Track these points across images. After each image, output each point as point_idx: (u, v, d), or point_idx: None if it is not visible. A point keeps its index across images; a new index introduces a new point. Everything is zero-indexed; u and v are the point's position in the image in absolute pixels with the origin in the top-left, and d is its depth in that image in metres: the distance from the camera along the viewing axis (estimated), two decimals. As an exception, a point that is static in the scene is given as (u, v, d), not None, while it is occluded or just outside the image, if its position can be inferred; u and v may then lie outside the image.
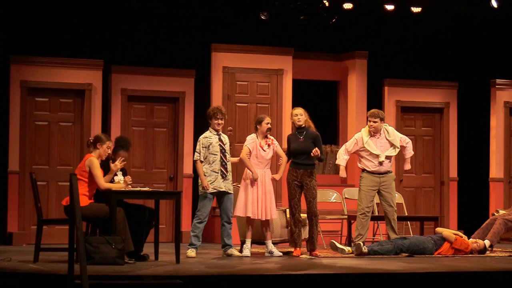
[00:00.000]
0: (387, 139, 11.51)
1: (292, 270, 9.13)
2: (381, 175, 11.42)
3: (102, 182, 9.63)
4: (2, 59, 12.82)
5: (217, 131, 10.83)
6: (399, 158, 13.09)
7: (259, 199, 10.82)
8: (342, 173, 11.65)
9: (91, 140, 9.91)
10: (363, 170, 11.47)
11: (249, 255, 10.73)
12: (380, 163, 11.40)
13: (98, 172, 9.63)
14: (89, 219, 9.67)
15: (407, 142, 11.73)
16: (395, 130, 11.74)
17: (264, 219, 10.85)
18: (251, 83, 14.02)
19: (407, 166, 11.89)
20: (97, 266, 8.89)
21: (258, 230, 10.97)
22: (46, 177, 12.88)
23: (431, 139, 15.13)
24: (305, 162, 10.82)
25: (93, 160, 9.68)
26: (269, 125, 10.97)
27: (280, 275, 8.71)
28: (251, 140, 10.96)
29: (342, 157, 11.60)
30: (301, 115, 10.87)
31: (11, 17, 12.97)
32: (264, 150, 10.93)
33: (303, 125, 10.88)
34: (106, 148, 9.85)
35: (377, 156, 11.40)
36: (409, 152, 11.77)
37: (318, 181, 11.12)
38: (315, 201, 10.80)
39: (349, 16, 13.83)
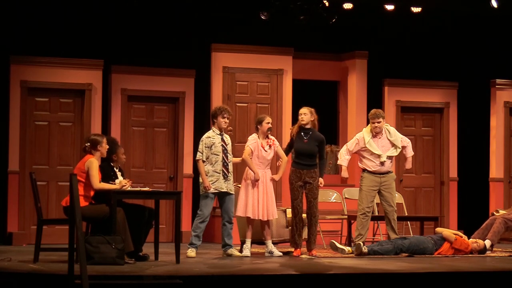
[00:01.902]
0: (388, 139, 11.50)
1: (292, 270, 9.13)
2: (381, 175, 11.42)
3: (97, 182, 9.59)
4: (2, 59, 12.82)
5: (220, 130, 10.82)
6: (400, 158, 13.08)
7: (259, 200, 10.82)
8: (344, 173, 11.63)
9: (88, 145, 9.85)
10: (364, 170, 11.46)
11: (249, 255, 10.73)
12: (382, 163, 11.39)
13: (95, 172, 9.60)
14: (89, 219, 9.67)
15: (407, 143, 11.73)
16: (396, 131, 11.74)
17: (264, 220, 10.85)
18: (251, 83, 14.01)
19: (408, 165, 11.89)
20: (97, 266, 8.88)
21: (258, 230, 10.96)
22: (46, 177, 12.88)
23: (431, 139, 15.12)
24: (308, 162, 10.80)
25: (93, 161, 9.67)
26: (269, 125, 10.96)
27: (280, 275, 8.71)
28: (253, 140, 10.94)
29: (343, 157, 11.59)
30: (305, 114, 10.84)
31: (11, 17, 12.96)
32: (266, 151, 10.92)
33: (308, 125, 10.87)
34: (105, 145, 9.87)
35: (379, 156, 11.40)
36: (409, 153, 11.77)
37: (318, 181, 11.13)
38: (316, 201, 10.80)
39: (349, 16, 13.82)
